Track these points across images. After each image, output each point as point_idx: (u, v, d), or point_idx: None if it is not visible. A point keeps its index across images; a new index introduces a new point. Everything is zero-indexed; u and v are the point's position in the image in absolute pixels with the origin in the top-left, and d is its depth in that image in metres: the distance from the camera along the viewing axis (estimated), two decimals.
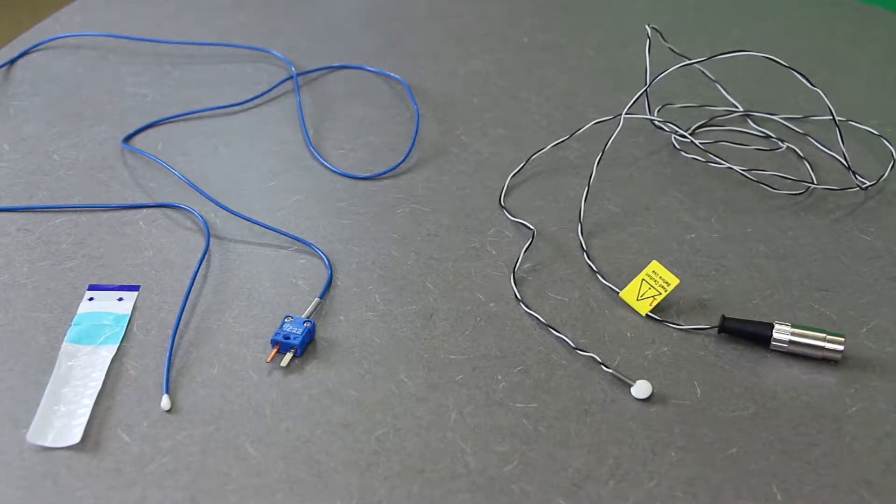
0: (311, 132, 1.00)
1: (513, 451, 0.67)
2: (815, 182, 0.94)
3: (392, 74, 1.09)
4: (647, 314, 0.78)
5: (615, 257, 0.85)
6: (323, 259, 0.83)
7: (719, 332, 0.77)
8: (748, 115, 1.04)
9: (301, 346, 0.73)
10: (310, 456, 0.66)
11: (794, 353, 0.75)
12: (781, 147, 0.99)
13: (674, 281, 0.78)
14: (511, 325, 0.78)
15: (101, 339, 0.74)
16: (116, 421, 0.68)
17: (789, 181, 0.94)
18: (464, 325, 0.77)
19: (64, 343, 0.74)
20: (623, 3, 1.28)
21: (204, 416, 0.69)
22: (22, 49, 1.11)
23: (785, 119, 1.03)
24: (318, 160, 0.95)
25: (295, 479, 0.65)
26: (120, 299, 0.78)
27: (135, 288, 0.79)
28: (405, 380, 0.73)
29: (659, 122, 0.99)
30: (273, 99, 1.05)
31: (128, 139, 0.97)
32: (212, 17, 1.20)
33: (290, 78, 1.07)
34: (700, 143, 0.96)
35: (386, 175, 0.94)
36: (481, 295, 0.80)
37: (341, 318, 0.78)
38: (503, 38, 1.18)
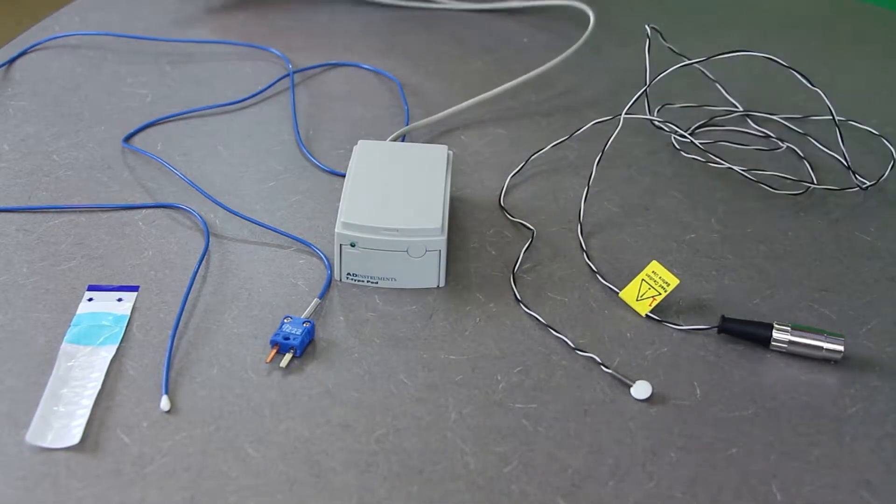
0: (309, 131, 0.99)
1: (512, 452, 0.67)
2: (815, 182, 0.94)
3: (387, 74, 1.09)
4: (646, 314, 0.78)
5: (615, 257, 0.85)
6: (323, 259, 0.83)
7: (719, 332, 0.77)
8: (748, 115, 1.04)
9: (300, 347, 0.73)
10: (310, 456, 0.66)
11: (794, 354, 0.75)
12: (781, 147, 0.99)
13: (674, 281, 0.78)
14: (511, 325, 0.78)
15: (101, 339, 0.74)
16: (116, 422, 0.68)
17: (789, 181, 0.94)
18: (464, 325, 0.77)
19: (63, 343, 0.74)
20: (623, 3, 1.28)
21: (203, 416, 0.69)
22: (21, 49, 1.11)
23: (785, 119, 1.03)
24: (317, 160, 0.95)
25: (295, 480, 0.65)
26: (119, 300, 0.78)
27: (134, 288, 0.79)
28: (405, 380, 0.72)
29: (659, 122, 0.99)
30: (273, 97, 1.05)
31: (127, 139, 0.97)
32: (211, 16, 1.20)
33: (287, 76, 1.07)
34: (700, 143, 0.96)
35: None
36: (481, 295, 0.80)
37: (341, 318, 0.78)
38: (503, 39, 1.18)
